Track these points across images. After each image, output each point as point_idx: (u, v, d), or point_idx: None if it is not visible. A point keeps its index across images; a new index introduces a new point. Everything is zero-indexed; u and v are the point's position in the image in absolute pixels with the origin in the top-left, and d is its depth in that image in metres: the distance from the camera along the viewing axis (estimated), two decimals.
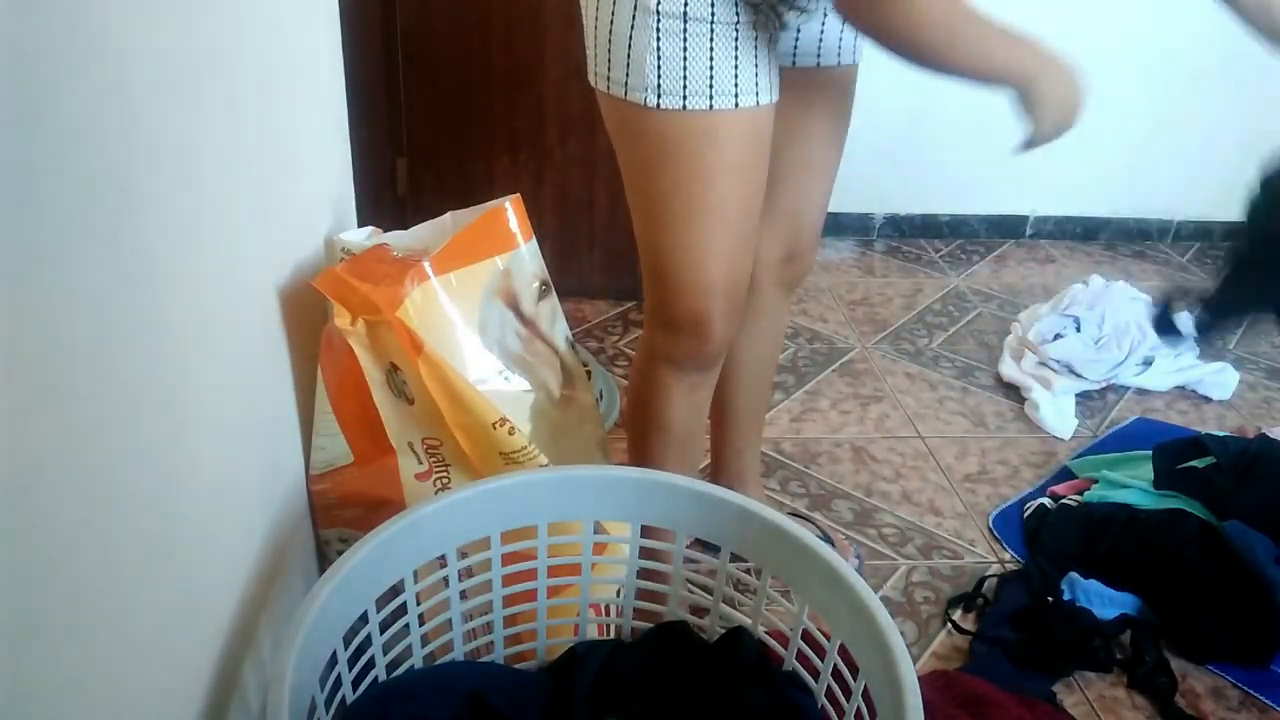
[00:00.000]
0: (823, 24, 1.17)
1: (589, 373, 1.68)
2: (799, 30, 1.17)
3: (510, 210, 1.06)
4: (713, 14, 0.99)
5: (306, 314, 1.01)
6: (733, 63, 1.01)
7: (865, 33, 0.98)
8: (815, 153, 1.27)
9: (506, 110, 2.09)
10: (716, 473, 1.52)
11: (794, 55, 1.19)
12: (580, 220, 2.21)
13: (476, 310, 1.01)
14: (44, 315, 0.50)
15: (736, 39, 1.01)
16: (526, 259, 1.07)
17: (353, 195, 1.25)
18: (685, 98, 1.01)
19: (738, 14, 1.00)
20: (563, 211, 2.20)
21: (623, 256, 2.23)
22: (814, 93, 1.22)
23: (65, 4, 0.52)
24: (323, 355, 1.00)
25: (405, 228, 1.07)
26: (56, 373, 0.52)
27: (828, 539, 1.54)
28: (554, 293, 1.12)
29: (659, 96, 1.01)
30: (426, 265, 0.95)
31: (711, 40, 1.00)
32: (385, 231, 1.08)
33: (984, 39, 0.97)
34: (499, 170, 2.15)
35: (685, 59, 1.00)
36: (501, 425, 0.95)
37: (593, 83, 1.09)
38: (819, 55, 1.20)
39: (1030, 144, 1.06)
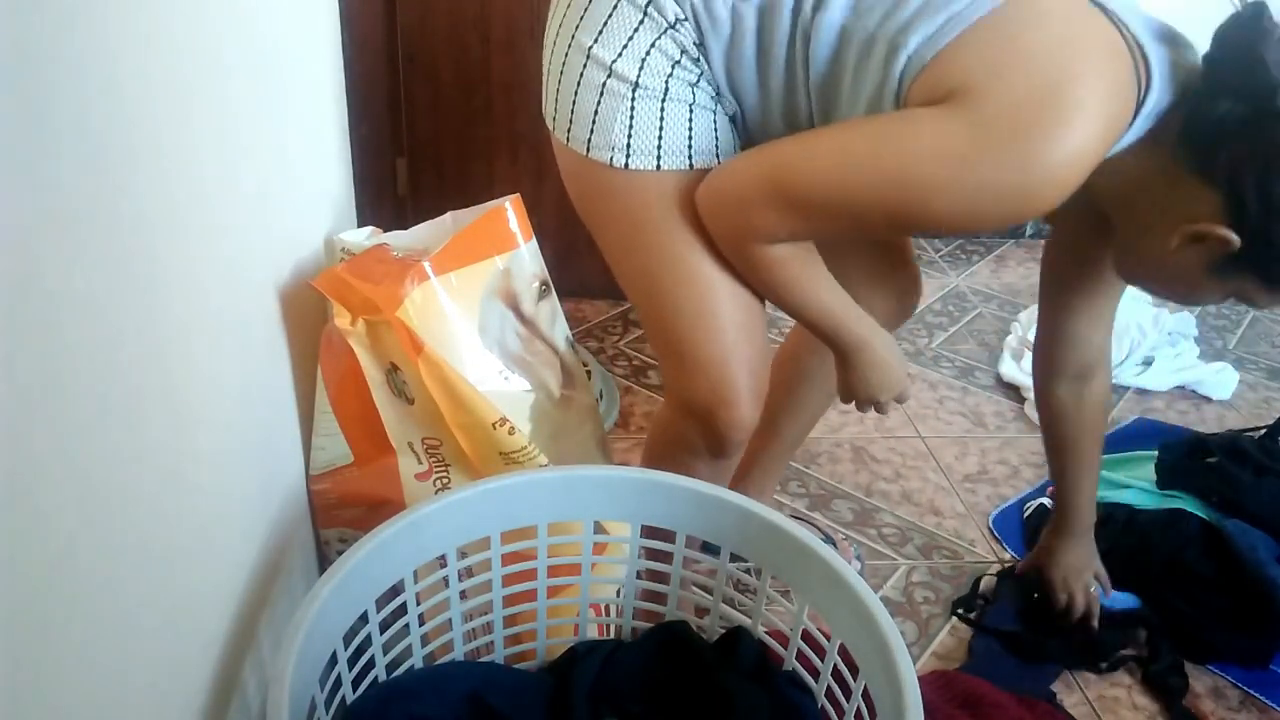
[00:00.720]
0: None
1: (589, 373, 1.68)
2: None
3: (510, 210, 1.06)
4: (693, 97, 0.95)
5: (306, 314, 1.01)
6: (712, 132, 0.97)
7: (714, 236, 0.96)
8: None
9: (506, 110, 2.09)
10: (741, 473, 1.46)
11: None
12: (580, 220, 2.21)
13: (476, 310, 1.01)
14: (44, 315, 0.50)
15: (715, 115, 0.97)
16: (526, 259, 1.07)
17: (353, 195, 1.25)
18: (659, 159, 0.95)
19: (716, 102, 0.97)
20: (563, 211, 2.19)
21: None
22: None
23: (65, 4, 0.52)
24: (323, 355, 1.00)
25: (405, 228, 1.07)
26: (56, 372, 0.52)
27: (830, 540, 1.54)
28: (554, 293, 1.12)
29: (628, 157, 0.95)
30: (426, 265, 0.95)
31: (691, 116, 0.95)
32: (385, 231, 1.08)
33: (819, 299, 0.99)
34: (499, 170, 2.15)
35: (661, 126, 0.95)
36: (501, 425, 0.95)
37: (549, 127, 1.02)
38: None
39: (843, 398, 1.11)
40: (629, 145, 0.95)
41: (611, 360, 2.06)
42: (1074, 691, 1.31)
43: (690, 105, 0.95)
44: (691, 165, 0.96)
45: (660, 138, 0.95)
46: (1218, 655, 1.36)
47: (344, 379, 0.99)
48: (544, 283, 1.10)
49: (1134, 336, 2.11)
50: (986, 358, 2.18)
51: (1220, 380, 2.09)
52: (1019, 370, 2.07)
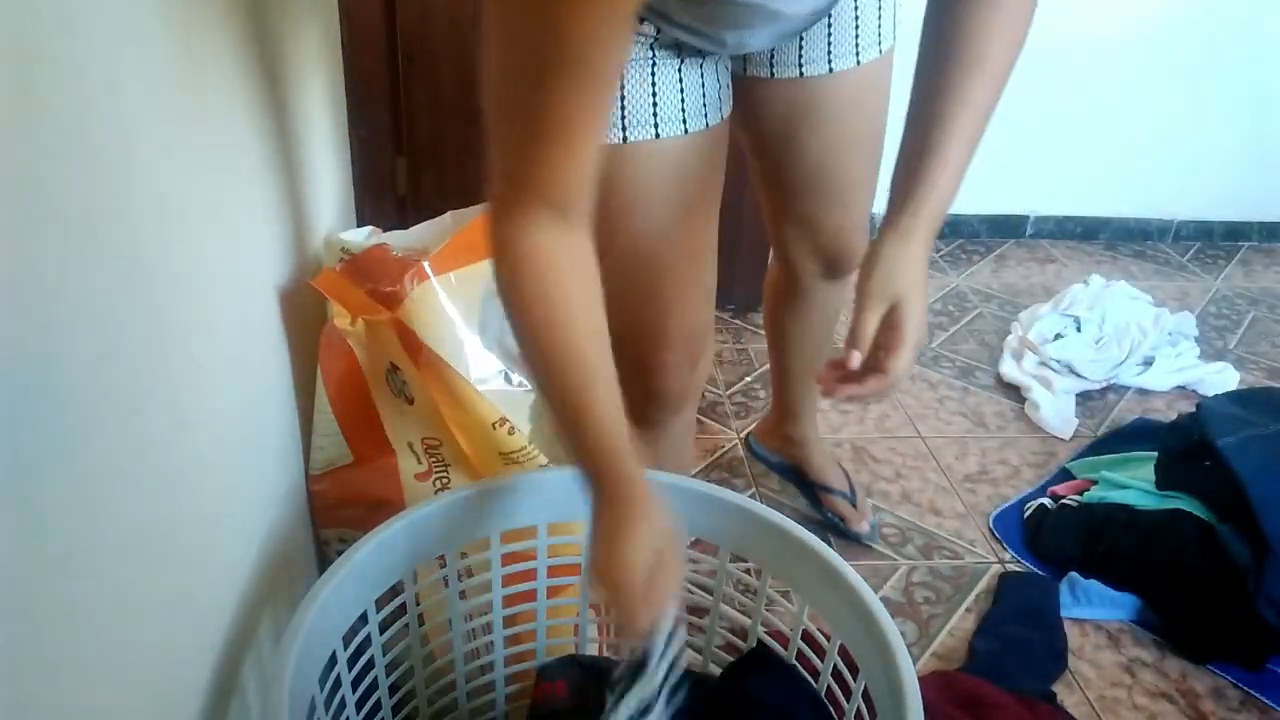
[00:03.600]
0: (801, 37, 1.04)
1: None
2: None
3: None
4: (653, 55, 0.91)
5: (306, 314, 1.01)
6: (649, 91, 0.93)
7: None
8: (826, 160, 1.15)
9: None
10: (776, 406, 1.55)
11: (798, 65, 1.06)
12: None
13: (476, 310, 1.01)
14: (43, 315, 0.50)
15: (653, 65, 0.92)
16: None
17: (353, 195, 1.25)
18: (624, 130, 0.92)
19: (653, 40, 0.92)
20: None
21: None
22: (827, 102, 1.09)
23: (65, 4, 0.52)
24: (323, 355, 1.00)
25: (405, 228, 1.07)
26: (56, 373, 0.52)
27: (853, 498, 1.58)
28: None
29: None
30: (426, 265, 0.95)
31: (652, 78, 0.92)
32: (385, 231, 1.08)
33: (569, 378, 0.75)
34: None
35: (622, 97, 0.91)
36: (501, 425, 0.95)
37: None
38: (811, 63, 1.06)
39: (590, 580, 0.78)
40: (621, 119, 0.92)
41: None
42: (1074, 691, 1.31)
43: (652, 65, 0.91)
44: (625, 139, 0.92)
45: (621, 109, 0.92)
46: (1218, 655, 1.36)
47: (344, 379, 0.99)
48: None
49: (1134, 336, 2.11)
50: (986, 358, 2.18)
51: (1220, 380, 2.08)
52: (1019, 370, 2.07)
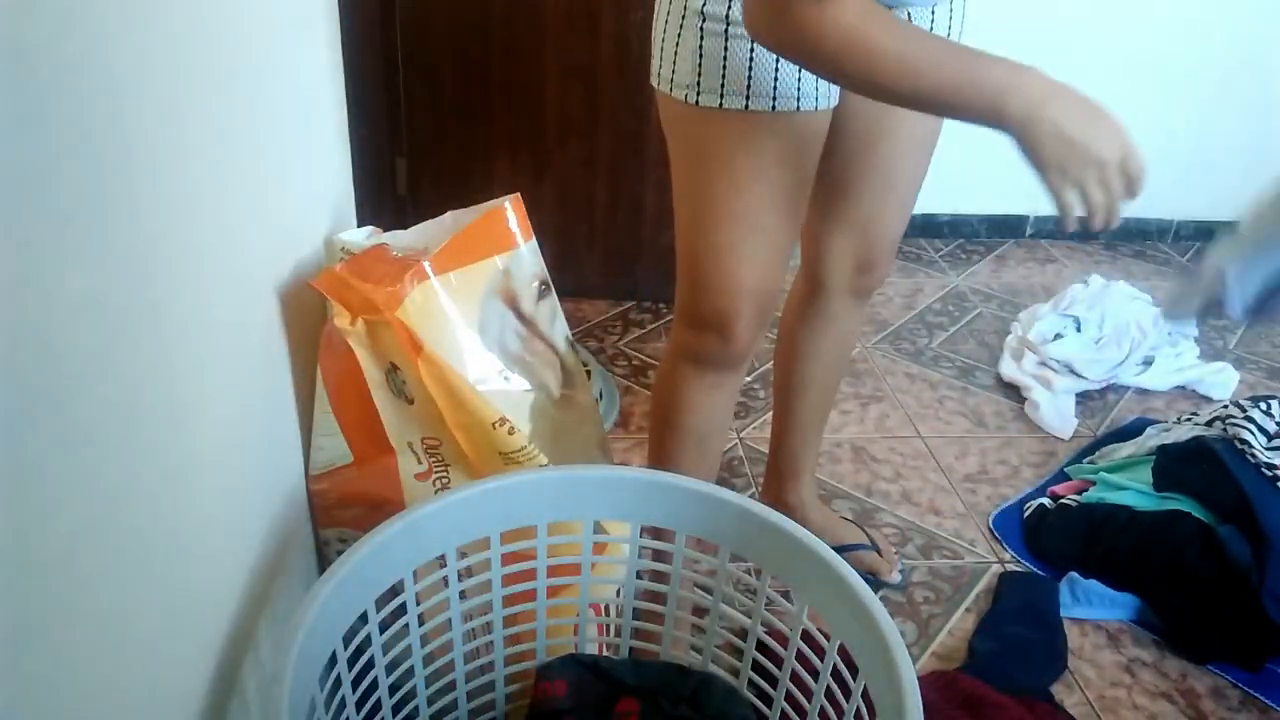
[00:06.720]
0: (932, 19, 1.11)
1: (589, 373, 1.68)
2: None
3: (510, 210, 1.06)
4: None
5: (306, 314, 1.01)
6: (773, 65, 0.99)
7: (773, 50, 0.88)
8: (895, 161, 1.21)
9: (506, 110, 2.09)
10: (771, 470, 1.52)
11: None
12: (580, 220, 2.21)
13: (476, 310, 1.01)
14: (44, 315, 0.50)
15: None
16: (526, 259, 1.07)
17: (353, 195, 1.25)
18: (722, 97, 1.01)
19: None
20: (563, 211, 2.19)
21: (623, 256, 2.24)
22: None
23: (65, 4, 0.52)
24: (322, 355, 1.00)
25: (405, 227, 1.07)
26: (56, 373, 0.52)
27: (875, 547, 1.51)
28: (554, 292, 1.12)
29: (698, 94, 1.02)
30: (426, 265, 0.95)
31: (754, 42, 0.98)
32: (385, 231, 1.08)
33: (917, 57, 0.80)
34: (499, 170, 2.15)
35: (725, 59, 0.99)
36: (501, 425, 0.95)
37: (653, 83, 1.10)
38: None
39: (1049, 188, 0.84)
40: (699, 83, 1.01)
41: (611, 360, 2.06)
42: (1074, 691, 1.31)
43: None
44: (747, 107, 1.01)
45: (724, 77, 1.00)
46: (1218, 655, 1.36)
47: (344, 379, 0.99)
48: (544, 282, 1.10)
49: (1134, 336, 2.11)
50: (986, 358, 2.18)
51: (1220, 380, 2.09)
52: (1019, 370, 2.07)
